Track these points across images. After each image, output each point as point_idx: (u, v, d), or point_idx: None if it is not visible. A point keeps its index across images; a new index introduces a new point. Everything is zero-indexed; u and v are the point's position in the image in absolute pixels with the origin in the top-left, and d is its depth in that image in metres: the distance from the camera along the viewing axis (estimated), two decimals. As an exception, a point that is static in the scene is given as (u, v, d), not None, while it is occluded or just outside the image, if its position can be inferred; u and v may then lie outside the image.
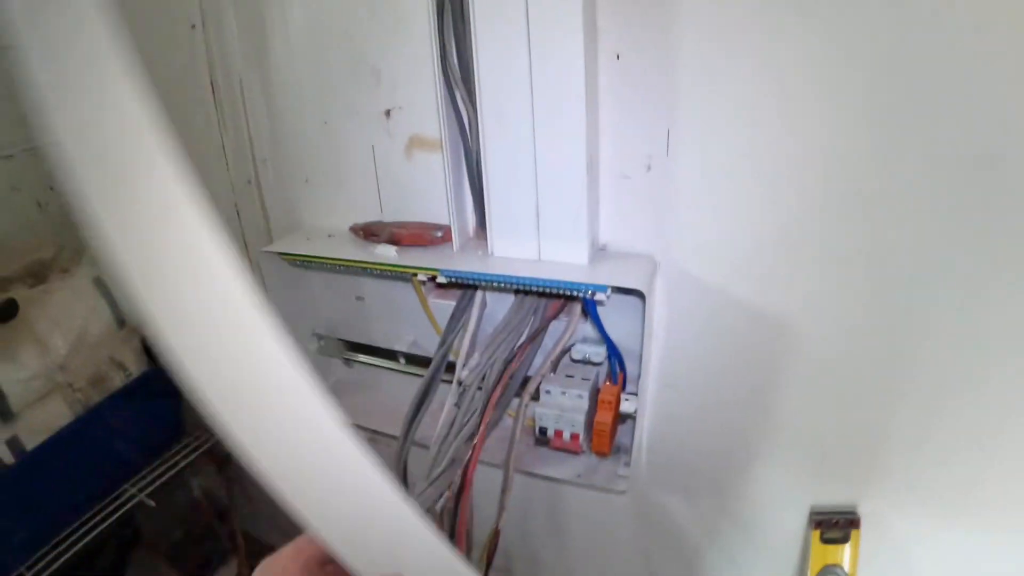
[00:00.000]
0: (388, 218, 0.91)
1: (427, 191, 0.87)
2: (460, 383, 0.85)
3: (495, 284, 0.78)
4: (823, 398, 0.80)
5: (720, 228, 0.76)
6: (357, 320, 1.02)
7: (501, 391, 0.83)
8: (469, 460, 0.83)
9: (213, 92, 1.03)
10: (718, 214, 0.76)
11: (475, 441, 0.82)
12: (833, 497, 0.87)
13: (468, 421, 0.84)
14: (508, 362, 0.84)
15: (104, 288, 1.13)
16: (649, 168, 0.78)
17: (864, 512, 0.85)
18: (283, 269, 0.97)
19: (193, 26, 1.02)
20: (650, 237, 0.81)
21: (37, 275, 1.19)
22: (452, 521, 0.87)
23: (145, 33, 1.04)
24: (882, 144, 0.65)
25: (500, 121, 0.75)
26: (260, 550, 1.43)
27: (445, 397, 0.89)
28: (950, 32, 0.59)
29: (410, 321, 0.96)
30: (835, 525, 0.85)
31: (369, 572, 0.37)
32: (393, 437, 0.97)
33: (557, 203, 0.76)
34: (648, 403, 0.89)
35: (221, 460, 1.31)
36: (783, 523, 0.91)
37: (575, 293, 0.76)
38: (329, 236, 0.93)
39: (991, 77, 0.59)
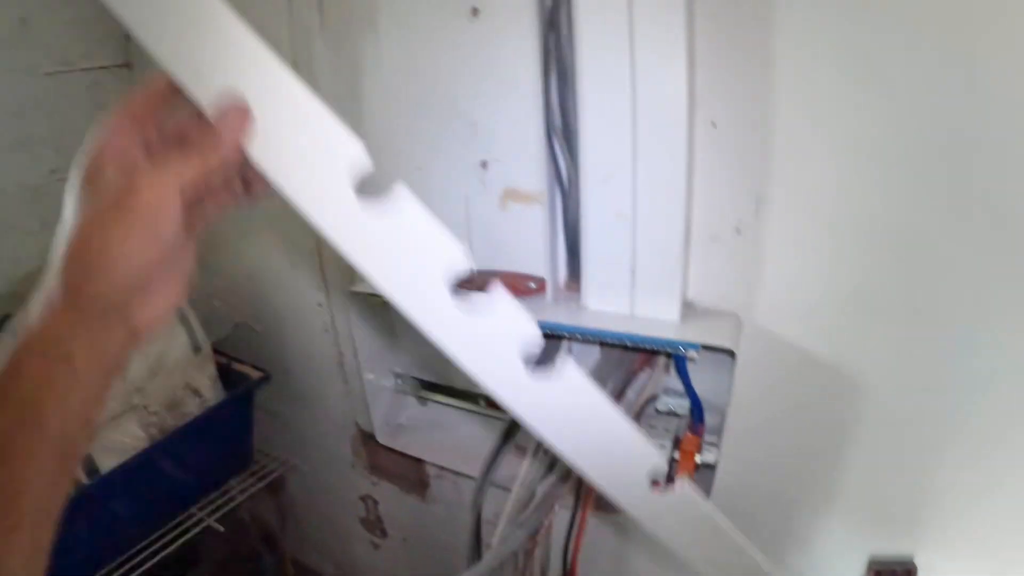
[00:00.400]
0: (478, 267, 0.93)
1: (519, 242, 0.90)
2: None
3: (588, 338, 0.81)
4: (887, 451, 0.83)
5: (802, 289, 0.80)
6: (438, 361, 1.04)
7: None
8: (553, 506, 0.85)
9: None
10: (801, 276, 0.79)
11: (562, 489, 0.84)
12: (891, 547, 0.88)
13: (554, 467, 0.87)
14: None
15: (182, 314, 1.16)
16: (738, 231, 0.81)
17: (921, 563, 0.86)
18: (367, 308, 1.00)
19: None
20: (734, 295, 0.84)
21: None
22: (526, 561, 0.90)
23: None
24: (959, 210, 0.69)
25: (601, 180, 0.78)
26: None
27: (521, 441, 0.92)
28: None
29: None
30: (892, 575, 0.87)
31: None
32: (464, 475, 0.99)
33: (654, 261, 0.79)
34: (726, 454, 0.91)
35: (277, 486, 1.33)
36: (841, 572, 0.93)
37: (667, 350, 0.78)
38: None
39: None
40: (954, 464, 0.79)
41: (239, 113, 0.37)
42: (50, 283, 0.35)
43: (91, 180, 0.36)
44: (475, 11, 0.86)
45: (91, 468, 1.05)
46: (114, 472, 1.05)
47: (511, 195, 0.89)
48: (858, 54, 0.68)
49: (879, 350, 0.79)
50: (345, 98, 1.01)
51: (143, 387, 1.11)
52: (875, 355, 0.79)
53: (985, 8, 0.61)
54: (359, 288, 0.94)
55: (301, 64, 1.04)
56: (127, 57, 1.31)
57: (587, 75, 0.74)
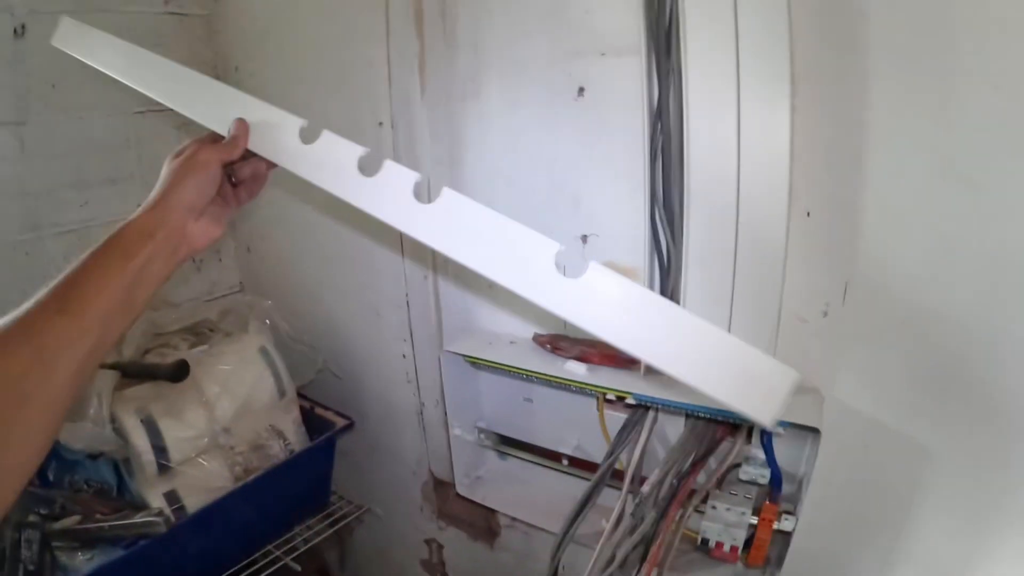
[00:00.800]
0: (571, 334, 0.98)
1: (614, 313, 0.94)
2: (636, 495, 0.91)
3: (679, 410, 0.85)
4: (949, 520, 0.86)
5: (882, 368, 0.84)
6: (522, 418, 1.08)
7: (677, 508, 0.89)
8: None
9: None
10: (881, 357, 0.83)
11: (649, 555, 0.87)
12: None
13: (638, 528, 0.90)
14: (682, 479, 0.90)
15: (269, 358, 1.21)
16: (825, 314, 0.85)
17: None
18: (458, 365, 1.04)
19: (380, 123, 1.12)
20: (817, 371, 0.87)
21: (200, 335, 1.28)
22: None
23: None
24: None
25: (701, 264, 0.83)
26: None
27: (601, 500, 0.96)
28: None
29: (577, 426, 1.03)
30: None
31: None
32: (543, 530, 1.03)
33: (747, 340, 0.83)
34: (803, 522, 0.94)
35: (344, 526, 1.36)
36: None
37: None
38: (511, 343, 1.00)
39: None
40: (1003, 536, 0.82)
41: (242, 126, 0.65)
42: (148, 200, 0.60)
43: (177, 154, 0.63)
44: (581, 90, 0.92)
45: (178, 506, 1.09)
46: (201, 512, 1.09)
47: (610, 268, 0.94)
48: (947, 155, 0.72)
49: (947, 425, 0.82)
50: (444, 163, 1.06)
51: (230, 427, 1.16)
52: (944, 429, 0.82)
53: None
54: (453, 349, 0.99)
55: (400, 127, 1.10)
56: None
57: (696, 166, 0.79)
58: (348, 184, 0.62)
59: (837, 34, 0.75)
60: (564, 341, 0.95)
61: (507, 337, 1.03)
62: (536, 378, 0.94)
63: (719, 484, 0.94)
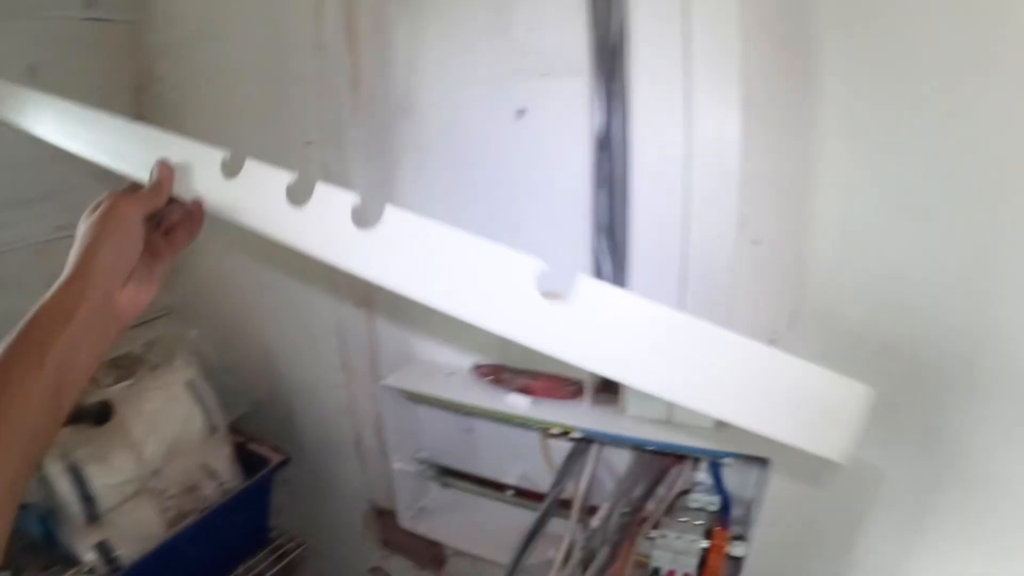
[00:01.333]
0: (512, 364, 0.93)
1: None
2: (585, 525, 0.87)
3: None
4: (899, 536, 0.84)
5: None
6: (464, 449, 1.03)
7: (629, 540, 0.85)
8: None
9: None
10: None
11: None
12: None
13: (592, 563, 0.86)
14: (632, 510, 0.86)
15: (198, 392, 1.12)
16: (772, 342, 0.81)
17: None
18: (397, 398, 0.98)
19: (309, 142, 1.04)
20: None
21: (124, 368, 1.18)
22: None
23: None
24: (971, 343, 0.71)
25: (646, 296, 0.78)
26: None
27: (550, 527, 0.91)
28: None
29: (521, 456, 0.98)
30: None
31: None
32: (489, 561, 0.98)
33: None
34: (754, 547, 0.91)
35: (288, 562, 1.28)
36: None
37: (706, 457, 0.79)
38: (449, 374, 0.94)
39: None
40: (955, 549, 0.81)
41: (165, 169, 0.55)
42: (63, 273, 0.50)
43: (94, 209, 0.53)
44: (521, 112, 0.86)
45: (109, 556, 0.99)
46: (138, 564, 0.99)
47: (551, 296, 0.88)
48: (899, 183, 0.70)
49: (892, 444, 0.78)
50: (380, 184, 0.99)
51: (160, 469, 1.06)
52: (888, 449, 0.79)
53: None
54: (390, 383, 0.92)
55: (330, 146, 1.02)
56: (138, 111, 1.27)
57: (640, 194, 0.74)
58: (276, 218, 0.52)
59: (790, 61, 0.72)
60: (506, 372, 0.89)
61: (446, 367, 0.97)
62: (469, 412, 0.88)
63: (669, 511, 0.91)
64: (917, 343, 0.74)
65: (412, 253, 0.47)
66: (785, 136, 0.75)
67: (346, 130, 1.00)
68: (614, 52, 0.75)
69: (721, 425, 0.82)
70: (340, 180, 0.99)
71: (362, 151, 1.00)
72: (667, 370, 0.40)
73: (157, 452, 1.05)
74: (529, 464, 0.98)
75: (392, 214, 0.47)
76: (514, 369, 0.90)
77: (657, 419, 0.83)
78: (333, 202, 0.50)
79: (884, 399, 0.77)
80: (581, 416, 0.84)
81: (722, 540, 0.88)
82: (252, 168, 0.54)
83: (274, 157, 1.01)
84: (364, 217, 0.49)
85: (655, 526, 0.89)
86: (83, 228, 0.52)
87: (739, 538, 0.89)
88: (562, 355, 0.42)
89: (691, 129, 0.70)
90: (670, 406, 0.82)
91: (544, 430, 0.89)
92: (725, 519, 0.90)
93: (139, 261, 0.53)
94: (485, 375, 0.91)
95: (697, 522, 0.89)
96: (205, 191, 0.55)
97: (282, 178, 0.52)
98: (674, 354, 0.40)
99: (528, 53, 0.85)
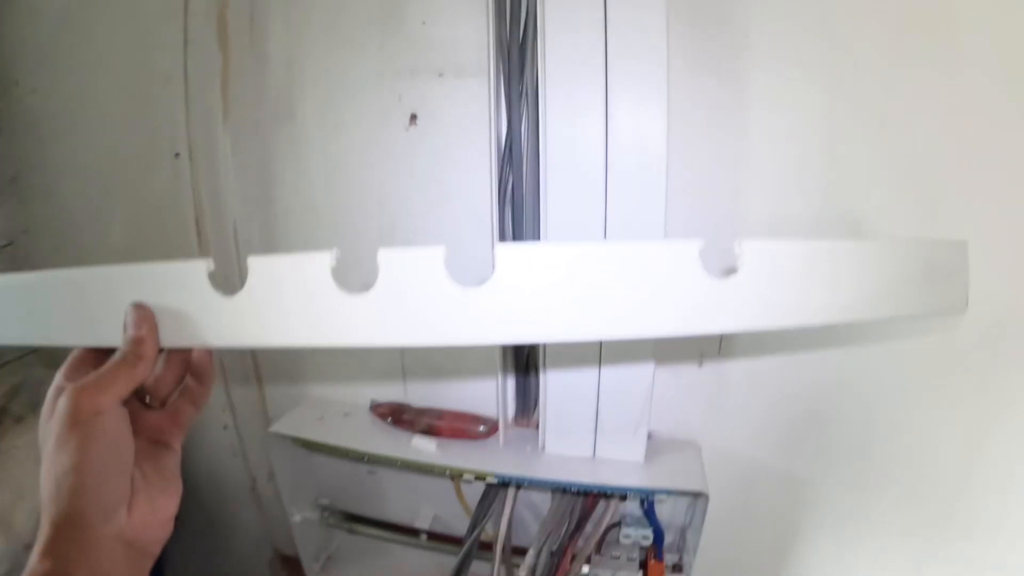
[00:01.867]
0: (413, 400, 0.80)
1: (461, 376, 0.78)
2: (508, 566, 0.77)
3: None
4: (833, 543, 0.81)
5: (757, 412, 0.78)
6: (369, 492, 0.89)
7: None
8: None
9: (198, 232, 0.89)
10: (756, 400, 0.77)
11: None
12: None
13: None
14: (559, 552, 0.76)
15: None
16: (700, 365, 0.75)
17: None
18: (286, 448, 0.84)
19: (177, 154, 0.89)
20: (691, 421, 0.80)
21: (-16, 420, 0.99)
22: None
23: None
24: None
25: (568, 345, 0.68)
26: None
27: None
28: None
29: (432, 498, 0.86)
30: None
31: None
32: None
33: (620, 403, 0.70)
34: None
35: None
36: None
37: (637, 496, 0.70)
38: (345, 415, 0.81)
39: None
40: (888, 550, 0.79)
41: (141, 315, 0.37)
42: (42, 524, 0.34)
43: (49, 415, 0.37)
44: (414, 117, 0.74)
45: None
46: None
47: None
48: (829, 193, 0.66)
49: (823, 455, 0.78)
50: (256, 201, 0.85)
51: (32, 544, 0.89)
52: (820, 459, 0.78)
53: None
54: (278, 430, 0.78)
55: (200, 158, 0.87)
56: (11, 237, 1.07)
57: (555, 208, 0.63)
58: (325, 319, 0.35)
59: (718, 61, 0.64)
60: (407, 412, 0.77)
61: (342, 406, 0.83)
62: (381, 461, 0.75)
63: (599, 548, 0.81)
64: (838, 355, 0.72)
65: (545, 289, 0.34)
66: (712, 142, 0.66)
67: (216, 139, 0.85)
68: (523, 45, 0.64)
69: (651, 458, 0.73)
70: (211, 197, 0.87)
71: (234, 162, 0.85)
72: (825, 297, 0.35)
73: (30, 523, 0.88)
74: (442, 506, 0.86)
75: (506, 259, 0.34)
76: (416, 408, 0.78)
77: (580, 455, 0.73)
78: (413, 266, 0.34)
79: (809, 411, 0.71)
80: (495, 459, 0.72)
81: (659, 573, 0.80)
82: (262, 267, 0.36)
83: (141, 173, 0.84)
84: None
85: (587, 563, 0.80)
86: (46, 446, 0.36)
87: (677, 568, 0.82)
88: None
89: (612, 135, 0.60)
90: (595, 442, 0.72)
91: (456, 477, 0.77)
92: (659, 551, 0.81)
93: (138, 460, 0.37)
94: (384, 415, 0.78)
95: (631, 557, 0.81)
96: (205, 324, 0.37)
97: (319, 261, 0.35)
98: (820, 281, 0.35)
99: (422, 50, 0.73)
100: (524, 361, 0.75)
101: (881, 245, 0.35)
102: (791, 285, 0.34)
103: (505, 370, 0.74)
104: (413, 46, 0.74)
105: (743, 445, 0.79)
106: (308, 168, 0.81)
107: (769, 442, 0.78)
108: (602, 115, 0.60)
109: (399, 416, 0.76)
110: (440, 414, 0.76)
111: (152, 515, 0.37)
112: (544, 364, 0.69)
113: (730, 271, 0.33)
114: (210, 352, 0.42)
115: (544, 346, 0.70)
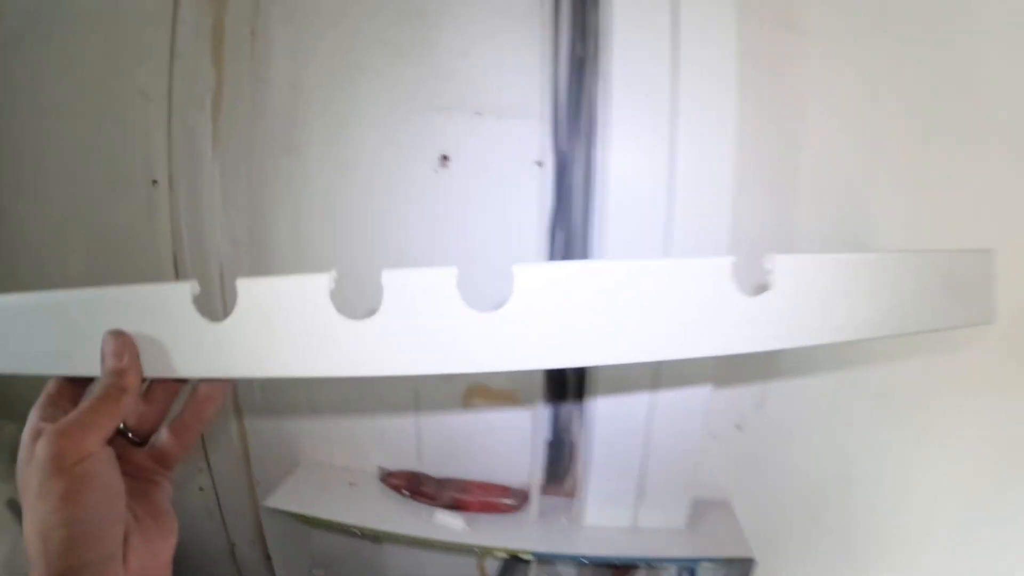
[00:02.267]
0: (430, 470, 0.71)
1: (485, 445, 0.70)
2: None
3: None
4: None
5: (791, 470, 0.73)
6: (371, 561, 0.79)
7: None
8: None
9: (176, 271, 0.78)
10: (790, 459, 0.73)
11: None
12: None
13: None
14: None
15: (20, 512, 0.79)
16: (739, 427, 0.72)
17: None
18: (279, 521, 0.73)
19: (155, 182, 0.78)
20: (727, 483, 0.75)
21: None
22: None
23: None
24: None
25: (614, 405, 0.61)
26: None
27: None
28: None
29: (445, 568, 0.77)
30: None
31: None
32: None
33: (667, 466, 0.65)
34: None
35: None
36: None
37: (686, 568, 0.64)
38: (351, 484, 0.71)
39: None
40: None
41: (120, 343, 0.33)
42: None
43: (27, 461, 0.33)
44: (445, 159, 0.66)
45: None
46: None
47: (479, 392, 0.69)
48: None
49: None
50: (246, 242, 0.74)
51: None
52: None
53: None
54: (274, 504, 0.68)
55: (181, 188, 0.75)
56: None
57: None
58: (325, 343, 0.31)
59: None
60: (426, 484, 0.68)
61: (345, 474, 0.73)
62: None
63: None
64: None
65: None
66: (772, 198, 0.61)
67: (202, 168, 0.74)
68: (580, 84, 0.57)
69: (691, 523, 0.67)
70: (192, 232, 0.76)
71: (223, 196, 0.74)
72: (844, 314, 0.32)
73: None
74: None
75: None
76: (435, 479, 0.69)
77: (621, 526, 0.66)
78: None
79: (841, 469, 0.69)
80: (530, 534, 0.65)
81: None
82: (254, 290, 0.32)
83: (109, 200, 0.72)
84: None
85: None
86: (26, 497, 0.32)
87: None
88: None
89: (676, 191, 0.54)
90: (636, 511, 0.66)
91: (482, 556, 0.69)
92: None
93: (128, 502, 0.33)
94: (398, 487, 0.69)
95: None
96: (192, 352, 0.33)
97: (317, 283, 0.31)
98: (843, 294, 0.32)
99: (456, 83, 0.65)
100: (555, 422, 0.68)
101: (912, 256, 0.34)
102: (827, 300, 0.32)
103: (536, 432, 0.67)
104: (447, 78, 0.66)
105: (780, 507, 0.74)
106: (311, 209, 0.71)
107: (799, 496, 0.74)
108: (668, 168, 0.54)
109: (416, 488, 0.68)
110: (463, 485, 0.68)
111: (151, 559, 0.34)
112: (583, 424, 0.63)
113: (761, 288, 0.31)
114: (221, 388, 0.37)
115: (583, 406, 0.63)
